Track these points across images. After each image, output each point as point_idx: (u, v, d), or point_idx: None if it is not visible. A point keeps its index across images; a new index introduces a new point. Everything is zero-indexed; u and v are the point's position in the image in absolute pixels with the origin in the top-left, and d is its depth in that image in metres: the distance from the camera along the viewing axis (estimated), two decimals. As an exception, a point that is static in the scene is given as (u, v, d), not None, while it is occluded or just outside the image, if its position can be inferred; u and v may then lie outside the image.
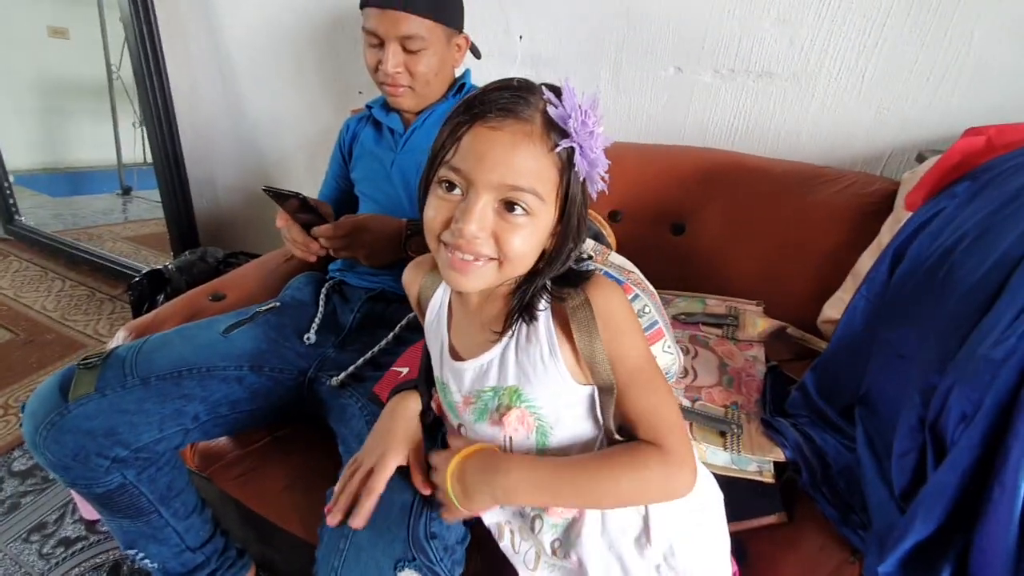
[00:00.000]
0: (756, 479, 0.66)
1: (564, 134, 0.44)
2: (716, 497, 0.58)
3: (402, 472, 0.59)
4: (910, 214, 0.70)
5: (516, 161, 0.44)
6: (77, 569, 1.04)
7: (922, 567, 0.53)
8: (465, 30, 0.96)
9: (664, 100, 1.10)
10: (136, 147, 3.20)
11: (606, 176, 0.48)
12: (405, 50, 0.89)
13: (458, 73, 1.02)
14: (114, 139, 3.18)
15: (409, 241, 0.84)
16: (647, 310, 0.61)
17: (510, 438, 0.54)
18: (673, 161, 1.06)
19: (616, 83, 1.13)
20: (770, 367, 0.81)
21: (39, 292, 1.94)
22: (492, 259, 0.46)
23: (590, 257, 0.61)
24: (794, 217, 0.95)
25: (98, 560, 1.06)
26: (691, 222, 1.03)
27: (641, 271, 0.90)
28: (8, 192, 2.28)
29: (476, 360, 0.53)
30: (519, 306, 0.50)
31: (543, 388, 0.52)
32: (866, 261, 0.82)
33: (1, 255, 2.22)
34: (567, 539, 0.54)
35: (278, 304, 0.89)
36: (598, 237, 0.67)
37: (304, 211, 0.85)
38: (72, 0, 3.18)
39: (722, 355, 0.82)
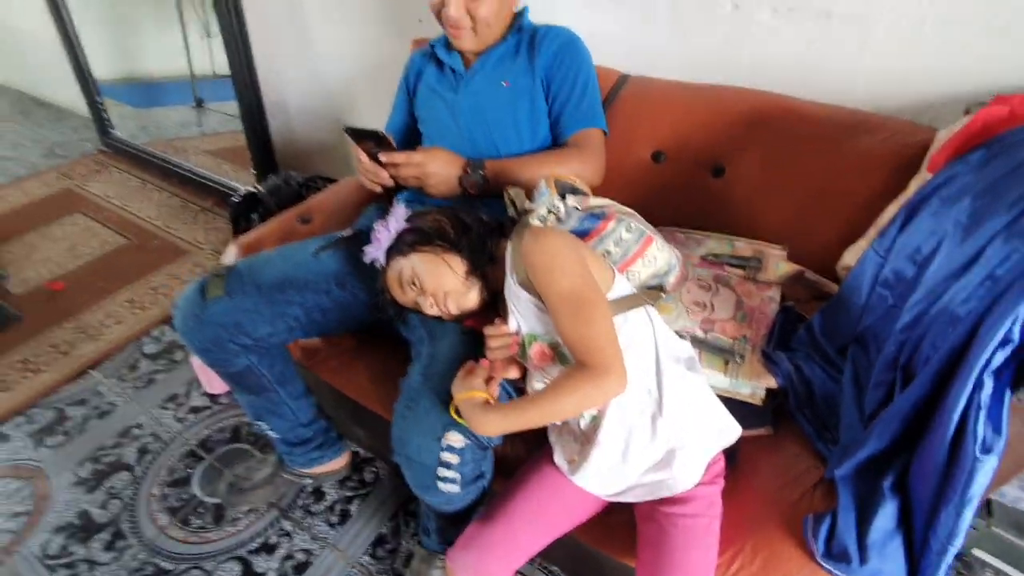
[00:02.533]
0: (748, 401, 0.79)
1: None
2: (713, 398, 0.72)
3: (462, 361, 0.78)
4: (931, 175, 0.75)
5: None
6: (207, 431, 1.34)
7: (871, 473, 0.67)
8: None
9: (720, 37, 1.11)
10: (204, 58, 3.33)
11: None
12: None
13: (516, 9, 1.06)
14: (184, 49, 3.30)
15: (466, 179, 0.96)
16: (633, 226, 0.76)
17: (544, 369, 0.70)
18: (721, 102, 1.09)
19: (673, 17, 1.14)
20: (784, 306, 0.91)
21: (141, 202, 2.20)
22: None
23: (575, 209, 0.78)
24: (833, 164, 0.99)
25: (222, 424, 1.35)
26: (731, 165, 1.08)
27: (677, 211, 1.04)
28: (101, 107, 2.50)
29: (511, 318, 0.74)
30: (477, 256, 0.76)
31: (539, 322, 0.69)
32: (889, 212, 0.87)
33: (102, 166, 2.48)
34: (595, 422, 0.69)
35: (354, 232, 1.05)
36: (574, 191, 0.79)
37: (378, 147, 0.97)
38: None
39: (741, 294, 0.92)
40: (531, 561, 1.06)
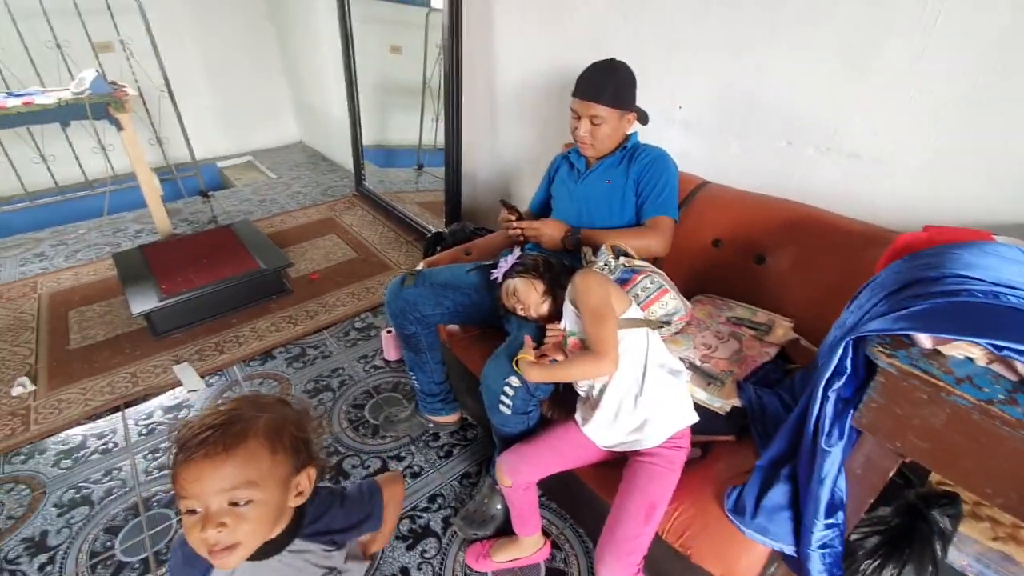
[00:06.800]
0: (717, 411, 1.12)
1: None
2: (687, 396, 1.09)
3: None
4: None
5: None
6: (379, 381, 1.99)
7: (778, 465, 0.96)
8: (642, 99, 1.49)
9: (776, 164, 1.47)
10: (430, 135, 4.44)
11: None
12: (592, 123, 1.49)
13: (629, 132, 1.57)
14: (418, 128, 4.47)
15: (565, 240, 1.47)
16: (655, 280, 1.18)
17: (575, 354, 1.14)
18: (769, 208, 1.44)
19: (740, 146, 1.53)
20: (776, 358, 1.21)
21: (370, 232, 3.15)
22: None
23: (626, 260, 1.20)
24: (849, 264, 1.27)
25: (388, 380, 2.00)
26: (771, 256, 1.41)
27: (726, 284, 1.43)
28: (362, 165, 3.61)
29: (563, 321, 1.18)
30: (553, 284, 1.22)
31: (576, 326, 1.13)
32: (870, 305, 1.14)
33: (353, 205, 3.55)
34: (601, 394, 1.11)
35: (493, 263, 1.61)
36: (625, 254, 1.21)
37: (517, 215, 1.54)
38: (407, 26, 4.48)
39: (745, 347, 1.25)
40: (540, 495, 1.45)
